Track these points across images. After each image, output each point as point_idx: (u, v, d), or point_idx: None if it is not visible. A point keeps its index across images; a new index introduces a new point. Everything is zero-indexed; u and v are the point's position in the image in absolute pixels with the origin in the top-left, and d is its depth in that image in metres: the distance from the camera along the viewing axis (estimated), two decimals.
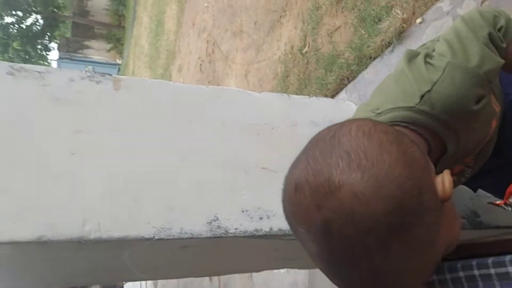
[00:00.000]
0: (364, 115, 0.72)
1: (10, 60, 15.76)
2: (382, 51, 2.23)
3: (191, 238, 0.88)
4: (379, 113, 0.69)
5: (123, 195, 0.87)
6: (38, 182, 0.82)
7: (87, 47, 19.46)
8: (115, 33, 18.23)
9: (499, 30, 0.73)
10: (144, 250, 0.91)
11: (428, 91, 0.66)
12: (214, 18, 6.11)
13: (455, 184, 0.84)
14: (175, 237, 0.87)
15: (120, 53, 18.24)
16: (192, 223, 0.89)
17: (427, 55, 0.70)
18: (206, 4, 6.56)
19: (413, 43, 2.01)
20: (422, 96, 0.66)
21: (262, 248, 1.03)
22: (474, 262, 0.65)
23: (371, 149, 0.50)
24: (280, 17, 3.85)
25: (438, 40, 0.75)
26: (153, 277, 1.25)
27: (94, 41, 19.48)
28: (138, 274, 1.14)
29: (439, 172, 0.58)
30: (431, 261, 0.55)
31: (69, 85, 0.93)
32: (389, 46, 2.18)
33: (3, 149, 0.82)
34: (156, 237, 0.85)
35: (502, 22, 0.74)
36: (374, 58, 2.33)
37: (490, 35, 0.71)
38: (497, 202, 0.74)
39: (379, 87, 0.76)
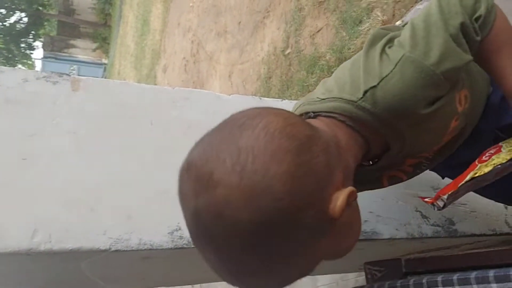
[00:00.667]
0: (308, 99, 0.68)
1: None
2: None
3: (150, 249, 0.83)
4: (322, 99, 0.64)
5: (78, 203, 0.82)
6: None
7: (73, 46, 19.21)
8: (101, 32, 18.03)
9: (477, 19, 0.64)
10: (101, 261, 0.85)
11: (374, 86, 0.61)
12: (199, 18, 6.06)
13: (410, 175, 0.80)
14: (133, 248, 0.82)
15: (106, 53, 18.04)
16: (153, 233, 0.84)
17: (389, 41, 0.64)
18: (191, 4, 6.50)
19: None
20: (366, 92, 0.61)
21: None
22: (439, 278, 0.61)
23: (263, 154, 0.48)
24: (264, 17, 3.81)
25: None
26: (118, 286, 1.19)
27: (80, 40, 19.24)
28: (103, 285, 1.09)
29: (385, 167, 0.65)
30: (299, 269, 0.54)
31: (23, 86, 0.87)
32: None
33: None
34: (113, 249, 0.81)
35: (481, 10, 0.64)
36: None
37: (462, 25, 0.62)
38: (426, 199, 0.70)
39: (339, 68, 0.71)
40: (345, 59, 2.38)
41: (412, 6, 1.91)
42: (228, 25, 4.86)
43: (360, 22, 2.25)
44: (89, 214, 0.82)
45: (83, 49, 19.31)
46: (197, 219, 0.49)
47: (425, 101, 0.62)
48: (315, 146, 0.52)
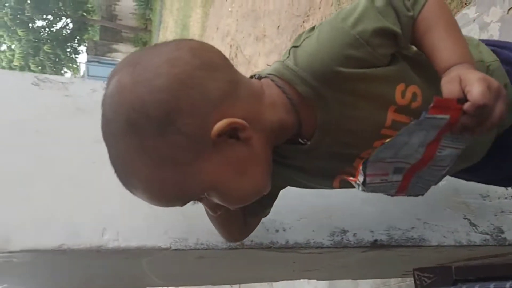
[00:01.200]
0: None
1: (41, 62, 16.25)
2: None
3: (207, 249, 0.88)
4: (282, 61, 0.66)
5: (142, 204, 0.87)
6: (61, 190, 0.84)
7: (115, 50, 19.85)
8: (142, 36, 18.55)
9: None
10: (161, 258, 0.91)
11: (296, 46, 0.64)
12: (237, 23, 6.14)
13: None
14: (191, 247, 0.87)
15: None
16: (209, 234, 0.89)
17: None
18: (230, 9, 6.60)
19: None
20: (289, 51, 0.65)
21: (280, 259, 1.02)
22: (492, 285, 0.63)
23: (164, 59, 0.56)
24: (303, 21, 3.84)
25: None
26: (172, 283, 1.26)
27: (121, 45, 19.86)
28: (157, 281, 1.15)
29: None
30: (179, 189, 0.59)
31: (91, 96, 0.95)
32: None
33: (27, 158, 0.85)
34: (173, 248, 0.86)
35: None
36: None
37: (386, 2, 0.62)
38: (350, 178, 0.66)
39: None
40: None
41: (458, 11, 1.88)
42: (267, 29, 4.91)
43: None
44: (151, 214, 0.88)
45: (124, 53, 19.86)
46: (102, 111, 0.59)
47: (345, 60, 0.61)
48: (220, 73, 0.58)
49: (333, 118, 0.64)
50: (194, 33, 8.88)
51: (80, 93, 0.94)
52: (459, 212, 1.11)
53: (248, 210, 0.79)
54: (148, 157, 0.56)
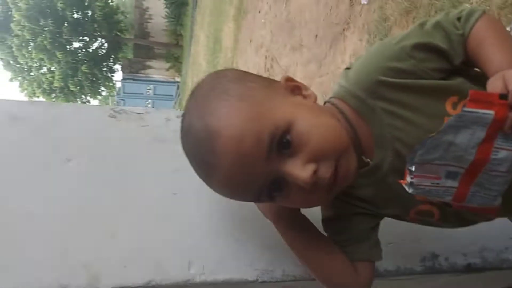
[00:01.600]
0: None
1: (80, 83, 16.83)
2: None
3: (294, 280, 0.85)
4: (338, 83, 0.73)
5: (225, 235, 0.86)
6: (145, 224, 0.83)
7: (148, 67, 20.35)
8: (174, 52, 18.91)
9: (459, 19, 0.68)
10: None
11: (349, 68, 0.71)
12: (272, 34, 6.14)
13: (446, 212, 0.72)
14: (278, 279, 0.84)
15: (179, 71, 18.88)
16: (295, 264, 0.85)
17: None
18: (263, 21, 6.62)
19: None
20: (344, 72, 0.72)
21: None
22: None
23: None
24: (344, 29, 3.78)
25: None
26: None
27: (154, 61, 20.33)
28: None
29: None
30: (253, 110, 0.61)
31: (166, 125, 0.94)
32: None
33: (110, 193, 0.84)
34: (260, 280, 0.83)
35: (463, 12, 0.68)
36: None
37: (438, 23, 0.67)
38: (400, 180, 0.64)
39: None
40: None
41: None
42: (304, 39, 4.87)
43: None
44: (235, 245, 0.85)
45: (157, 69, 20.37)
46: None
47: (388, 71, 0.66)
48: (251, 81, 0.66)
49: (385, 130, 0.67)
50: (227, 46, 8.96)
51: (155, 123, 0.93)
52: None
53: (348, 252, 0.77)
54: (229, 95, 0.62)
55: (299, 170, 0.60)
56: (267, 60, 6.29)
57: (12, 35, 15.38)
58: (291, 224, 0.78)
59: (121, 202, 0.84)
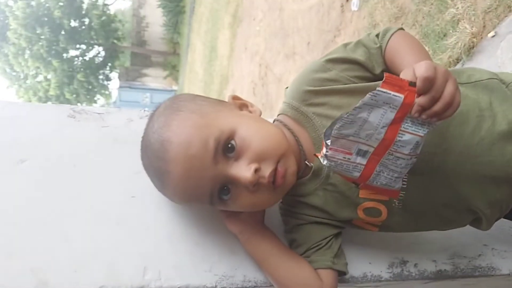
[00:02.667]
0: None
1: (75, 91, 16.80)
2: (449, 68, 2.08)
3: (255, 286, 0.81)
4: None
5: (184, 239, 0.82)
6: (99, 228, 0.79)
7: (145, 75, 20.34)
8: (171, 60, 18.92)
9: (377, 35, 0.78)
10: None
11: (288, 87, 0.82)
12: (266, 41, 6.15)
13: (392, 204, 0.75)
14: (238, 285, 0.81)
15: (176, 80, 18.88)
16: (256, 269, 0.82)
17: None
18: (257, 28, 6.63)
19: (486, 58, 1.84)
20: (284, 90, 0.82)
21: None
22: None
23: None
24: (335, 36, 3.77)
25: None
26: None
27: (151, 69, 20.33)
28: None
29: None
30: (200, 121, 0.68)
31: (128, 125, 0.91)
32: (458, 62, 2.02)
33: (65, 194, 0.81)
34: (219, 286, 0.80)
35: (381, 30, 0.78)
36: None
37: (359, 41, 0.78)
38: (316, 154, 0.69)
39: None
40: None
41: (506, 16, 1.78)
42: (297, 47, 4.87)
43: (445, 35, 2.13)
44: (195, 249, 0.82)
45: (154, 78, 20.37)
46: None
47: (313, 81, 0.76)
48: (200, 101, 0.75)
49: (320, 132, 0.74)
50: (223, 54, 8.97)
51: (117, 123, 0.90)
52: None
53: (311, 261, 0.78)
54: (180, 110, 0.70)
55: (243, 170, 0.67)
56: (261, 68, 6.29)
57: (9, 43, 15.35)
58: (255, 236, 0.80)
59: (76, 204, 0.80)
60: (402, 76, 0.60)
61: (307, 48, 4.47)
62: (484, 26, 1.90)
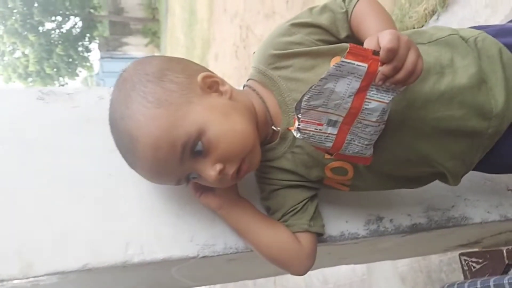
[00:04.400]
0: None
1: (56, 65, 16.41)
2: (426, 21, 2.05)
3: (236, 253, 0.84)
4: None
5: (164, 212, 0.84)
6: (78, 207, 0.80)
7: (126, 44, 19.89)
8: (151, 27, 18.46)
9: (344, 1, 0.77)
10: (190, 266, 0.88)
11: (255, 52, 0.82)
12: (245, 1, 6.01)
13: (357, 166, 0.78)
14: (220, 253, 0.83)
15: (158, 47, 18.50)
16: (237, 236, 0.85)
17: None
18: None
19: (460, 9, 1.83)
20: (253, 55, 0.82)
21: None
22: None
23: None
24: None
25: None
26: (207, 283, 1.23)
27: (131, 37, 19.87)
28: (189, 283, 1.13)
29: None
30: (169, 117, 0.67)
31: (99, 104, 0.90)
32: (433, 14, 2.00)
33: (40, 176, 0.81)
34: (201, 255, 0.83)
35: None
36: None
37: (325, 6, 0.77)
38: (289, 128, 0.73)
39: None
40: (407, 29, 2.25)
41: None
42: (276, 5, 4.77)
43: None
44: (175, 221, 0.84)
45: (136, 46, 19.94)
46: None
47: (278, 45, 0.76)
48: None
49: (285, 95, 0.76)
50: (202, 17, 8.76)
51: (87, 103, 0.89)
52: (501, 184, 1.03)
53: (288, 225, 0.80)
54: (147, 101, 0.67)
55: (208, 169, 0.70)
56: (242, 30, 6.18)
57: None
58: (233, 208, 0.81)
59: (53, 186, 0.81)
60: (365, 44, 0.61)
61: (286, 6, 4.39)
62: None
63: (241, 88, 0.84)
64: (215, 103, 0.72)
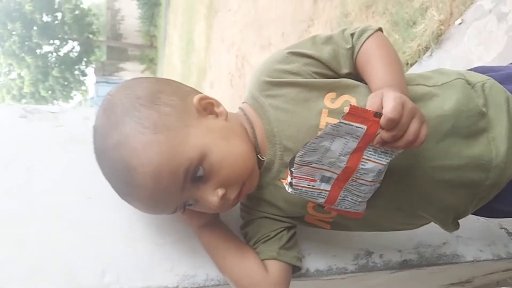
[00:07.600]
0: None
1: (51, 87, 16.45)
2: (419, 57, 2.08)
3: (218, 285, 0.80)
4: None
5: (143, 239, 0.80)
6: (55, 230, 0.77)
7: (122, 69, 20.02)
8: (148, 53, 18.67)
9: (352, 35, 0.74)
10: None
11: None
12: (242, 32, 6.11)
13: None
14: (200, 285, 0.79)
15: (154, 73, 18.65)
16: None
17: None
18: (233, 19, 6.58)
19: (453, 46, 1.86)
20: (250, 78, 0.79)
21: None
22: None
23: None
24: (308, 26, 3.76)
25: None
26: None
27: (128, 63, 20.03)
28: None
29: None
30: (168, 143, 0.63)
31: (84, 124, 0.88)
32: (427, 50, 2.03)
33: (18, 198, 0.77)
34: (180, 286, 0.78)
35: (357, 29, 0.74)
36: (412, 65, 2.16)
37: (328, 37, 0.74)
38: (282, 180, 0.70)
39: None
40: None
41: (472, 3, 1.79)
42: (272, 37, 4.85)
43: (414, 23, 2.14)
44: (155, 249, 0.80)
45: (132, 72, 20.08)
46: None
47: (272, 73, 0.73)
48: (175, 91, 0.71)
49: (273, 125, 0.72)
50: (200, 46, 8.87)
51: (72, 123, 0.87)
52: (494, 222, 1.01)
53: (258, 252, 0.77)
54: (143, 126, 0.63)
55: (210, 195, 0.67)
56: (237, 59, 6.26)
57: None
58: (211, 229, 0.79)
59: (30, 207, 0.77)
60: (369, 104, 0.59)
61: (282, 38, 4.46)
62: (451, 14, 1.92)
63: (237, 109, 0.82)
64: (213, 126, 0.69)
